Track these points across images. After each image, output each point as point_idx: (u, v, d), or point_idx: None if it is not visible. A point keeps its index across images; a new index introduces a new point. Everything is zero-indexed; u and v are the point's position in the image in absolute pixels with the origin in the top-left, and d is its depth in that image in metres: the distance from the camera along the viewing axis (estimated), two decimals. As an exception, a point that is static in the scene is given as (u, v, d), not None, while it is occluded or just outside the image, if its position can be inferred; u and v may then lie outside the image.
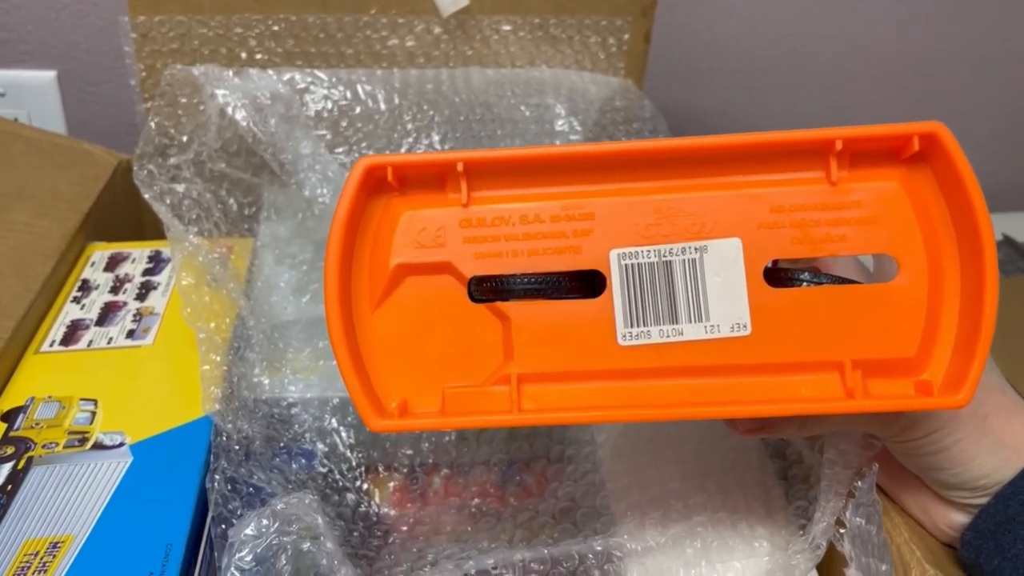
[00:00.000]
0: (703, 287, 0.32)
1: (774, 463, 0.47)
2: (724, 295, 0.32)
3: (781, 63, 0.86)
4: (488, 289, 0.33)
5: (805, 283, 0.33)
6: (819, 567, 0.41)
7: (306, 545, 0.37)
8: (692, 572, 0.42)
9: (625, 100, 0.64)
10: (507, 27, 0.63)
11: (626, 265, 0.32)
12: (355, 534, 0.46)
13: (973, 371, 0.30)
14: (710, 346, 0.32)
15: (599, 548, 0.41)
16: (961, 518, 0.38)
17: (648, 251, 0.32)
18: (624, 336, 0.32)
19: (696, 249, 0.32)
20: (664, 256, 0.32)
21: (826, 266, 0.38)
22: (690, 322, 0.32)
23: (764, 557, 0.42)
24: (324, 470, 0.49)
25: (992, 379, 0.38)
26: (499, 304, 0.33)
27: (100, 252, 0.56)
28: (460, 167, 0.32)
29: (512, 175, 0.33)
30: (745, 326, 0.32)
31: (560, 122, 0.63)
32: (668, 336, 0.32)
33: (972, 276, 0.31)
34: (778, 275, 0.33)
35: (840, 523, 0.38)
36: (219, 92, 0.55)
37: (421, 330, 0.33)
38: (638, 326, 0.32)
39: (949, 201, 0.31)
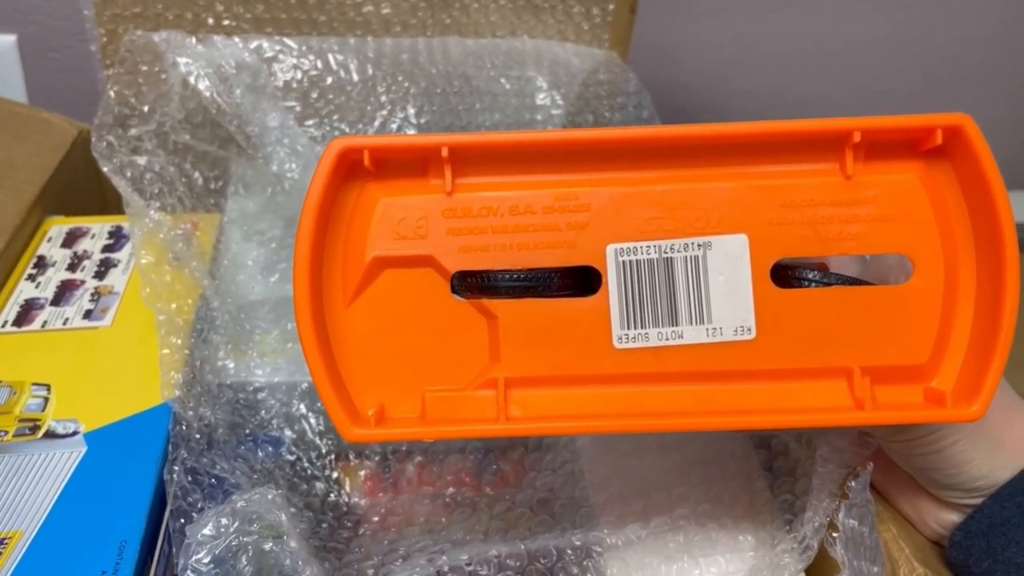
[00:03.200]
0: (706, 287, 0.30)
1: (758, 453, 0.46)
2: (728, 295, 0.30)
3: (769, 37, 0.84)
4: (473, 285, 0.31)
5: (813, 283, 0.32)
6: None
7: (268, 545, 0.36)
8: (674, 567, 0.40)
9: (609, 73, 0.63)
10: (487, -6, 0.61)
11: (624, 261, 0.31)
12: (324, 525, 0.45)
13: (989, 381, 0.29)
14: (712, 350, 0.31)
15: (578, 543, 0.40)
16: (953, 517, 0.37)
17: (648, 247, 0.30)
18: (620, 338, 0.31)
19: (699, 245, 0.30)
20: (665, 252, 0.31)
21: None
22: (691, 324, 0.30)
23: (748, 552, 0.41)
24: (292, 458, 0.47)
25: None
26: (485, 301, 0.31)
27: (58, 227, 0.54)
28: (445, 152, 0.30)
29: (501, 161, 0.31)
30: (749, 329, 0.30)
31: (542, 95, 0.61)
32: (667, 339, 0.31)
33: (990, 279, 0.30)
34: (784, 274, 0.32)
35: (832, 526, 0.36)
36: (181, 60, 0.53)
37: (399, 328, 0.31)
38: (635, 328, 0.31)
39: (968, 198, 0.30)
